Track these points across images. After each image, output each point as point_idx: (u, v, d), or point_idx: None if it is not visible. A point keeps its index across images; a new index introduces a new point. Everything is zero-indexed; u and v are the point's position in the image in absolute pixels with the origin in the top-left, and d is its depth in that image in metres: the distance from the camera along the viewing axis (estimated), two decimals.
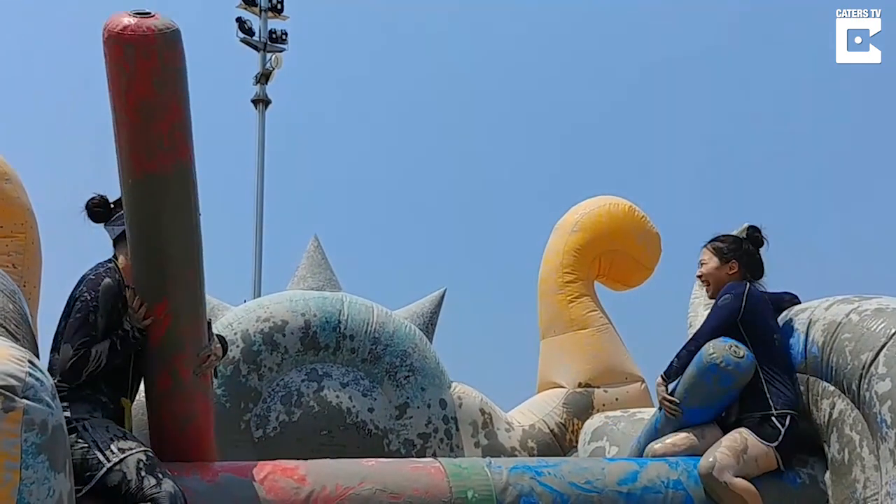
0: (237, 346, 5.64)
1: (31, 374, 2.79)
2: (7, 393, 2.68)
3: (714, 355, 4.03)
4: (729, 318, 4.18)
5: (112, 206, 3.61)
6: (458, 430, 5.91)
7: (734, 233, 4.66)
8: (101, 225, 3.67)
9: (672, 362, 4.24)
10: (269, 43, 17.63)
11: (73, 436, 3.20)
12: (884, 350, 3.77)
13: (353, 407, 5.71)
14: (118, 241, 3.60)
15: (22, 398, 2.71)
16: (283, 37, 17.83)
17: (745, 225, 4.59)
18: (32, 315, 4.92)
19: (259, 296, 7.81)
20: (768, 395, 4.06)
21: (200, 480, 3.36)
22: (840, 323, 3.99)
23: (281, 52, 17.71)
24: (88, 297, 3.42)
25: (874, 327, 3.86)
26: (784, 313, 4.35)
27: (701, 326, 4.29)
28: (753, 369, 4.08)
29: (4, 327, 3.30)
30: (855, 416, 3.86)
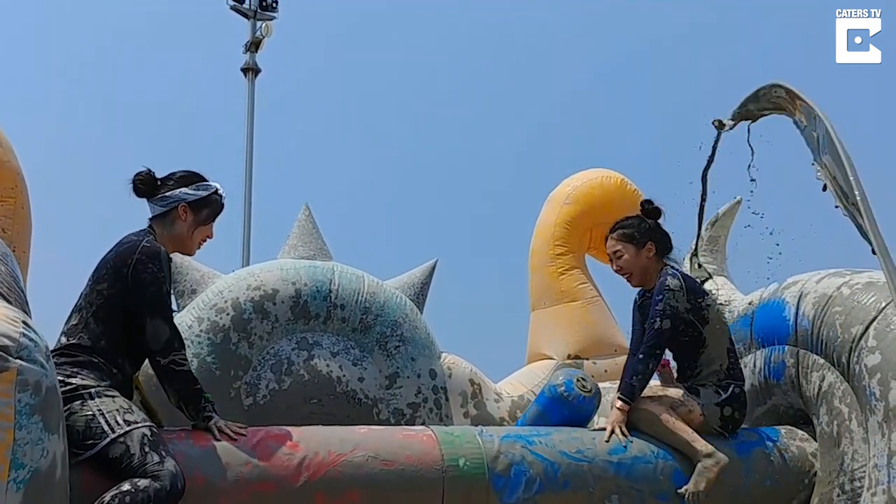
0: (227, 315, 5.62)
1: (24, 335, 2.77)
2: (0, 353, 2.67)
3: (563, 388, 3.99)
4: (674, 323, 4.02)
5: (159, 182, 3.62)
6: (447, 400, 5.91)
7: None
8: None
9: (632, 382, 3.95)
10: (259, 11, 17.46)
11: (79, 402, 3.18)
12: (874, 323, 3.79)
13: (344, 376, 5.71)
14: (158, 217, 3.61)
15: (16, 358, 2.70)
16: (274, 4, 17.67)
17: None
18: (23, 279, 4.90)
19: (249, 265, 7.78)
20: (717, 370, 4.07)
21: (193, 446, 3.36)
22: (831, 296, 4.01)
23: (271, 20, 17.55)
24: (154, 268, 3.41)
25: (865, 301, 3.88)
26: (774, 286, 4.37)
27: (651, 334, 4.00)
28: (598, 405, 4.06)
29: None
30: (844, 388, 3.88)
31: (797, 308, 4.13)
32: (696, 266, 5.28)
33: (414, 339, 5.94)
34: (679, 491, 3.75)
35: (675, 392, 4.01)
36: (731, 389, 4.02)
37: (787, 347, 4.16)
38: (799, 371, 4.10)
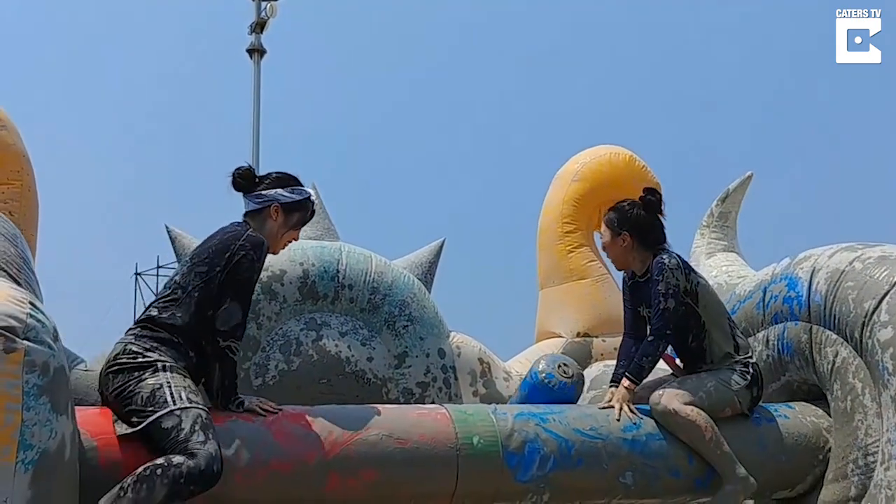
0: None
1: (31, 316, 2.76)
2: (8, 334, 2.65)
3: (544, 374, 3.97)
4: (678, 301, 3.96)
5: (257, 180, 3.67)
6: (456, 379, 5.91)
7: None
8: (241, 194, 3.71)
9: (641, 363, 3.92)
10: None
11: (151, 370, 3.23)
12: (886, 298, 3.76)
13: (352, 356, 5.70)
14: (251, 213, 3.66)
15: (23, 339, 2.68)
16: None
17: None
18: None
19: None
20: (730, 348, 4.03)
21: None
22: (843, 271, 3.98)
23: (276, 0, 17.44)
24: (254, 256, 3.48)
25: (877, 275, 3.85)
26: (786, 262, 4.33)
27: (658, 316, 3.95)
28: (580, 392, 4.04)
29: (6, 270, 3.26)
30: (857, 363, 3.86)
31: (810, 283, 4.10)
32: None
33: (422, 318, 5.92)
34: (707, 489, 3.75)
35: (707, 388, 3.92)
36: (752, 369, 3.99)
37: (799, 323, 4.13)
38: (812, 347, 4.07)
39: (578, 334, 6.17)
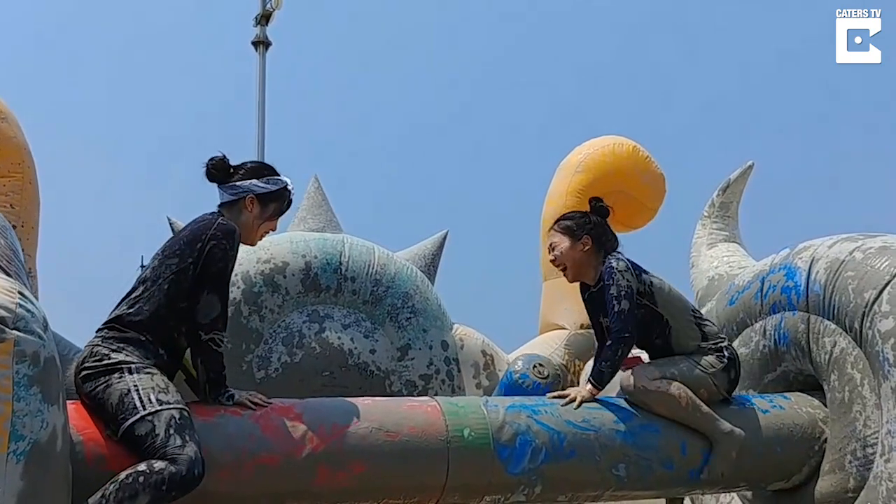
0: (238, 288, 5.63)
1: (21, 305, 2.74)
2: None
3: (518, 375, 3.92)
4: (632, 302, 3.89)
5: (231, 170, 3.60)
6: (459, 371, 5.91)
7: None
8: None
9: (602, 368, 3.84)
10: None
11: (118, 375, 3.18)
12: (887, 288, 3.71)
13: (355, 348, 5.71)
14: (226, 204, 3.59)
15: (12, 329, 2.66)
16: None
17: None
18: (30, 255, 4.91)
19: None
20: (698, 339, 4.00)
21: (197, 418, 3.33)
22: (843, 261, 3.93)
23: None
24: (227, 245, 3.40)
25: (878, 265, 3.80)
26: (786, 252, 4.30)
27: (615, 319, 3.86)
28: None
29: None
30: (857, 354, 3.81)
31: (809, 273, 4.05)
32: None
33: (425, 310, 5.92)
34: (702, 476, 3.72)
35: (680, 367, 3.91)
36: (727, 352, 3.95)
37: (797, 313, 4.08)
38: (810, 337, 4.03)
39: (582, 326, 6.14)
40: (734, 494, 4.32)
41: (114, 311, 3.39)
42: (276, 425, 3.33)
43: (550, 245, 4.21)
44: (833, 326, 3.92)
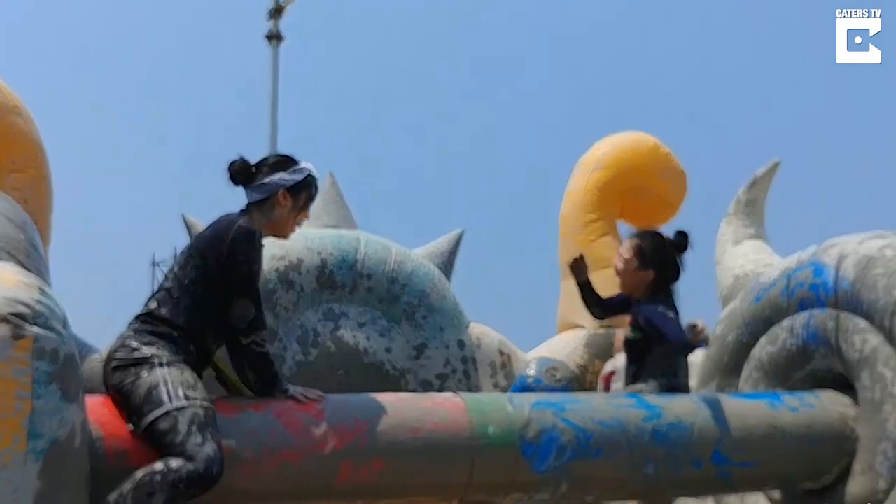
0: None
1: (41, 302, 2.72)
2: (17, 320, 2.61)
3: (532, 379, 3.93)
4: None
5: (254, 169, 3.57)
6: (476, 370, 5.85)
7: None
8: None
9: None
10: None
11: (147, 368, 3.17)
12: None
13: (371, 347, 5.66)
14: (256, 204, 3.56)
15: (32, 325, 2.64)
16: None
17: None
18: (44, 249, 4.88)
19: None
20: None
21: (220, 414, 3.30)
22: (873, 257, 3.89)
23: None
24: (248, 248, 3.39)
25: None
26: (813, 249, 4.25)
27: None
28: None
29: (14, 257, 3.24)
30: (888, 353, 3.77)
31: (837, 270, 4.00)
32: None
33: (442, 309, 5.87)
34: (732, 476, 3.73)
35: None
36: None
37: (826, 310, 4.03)
38: (839, 334, 3.97)
39: (601, 325, 6.09)
40: (760, 495, 4.26)
41: (146, 304, 3.40)
42: (299, 421, 3.29)
43: (620, 252, 4.32)
44: (863, 324, 3.87)
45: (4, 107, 5.02)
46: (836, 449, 3.85)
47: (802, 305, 4.15)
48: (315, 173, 3.66)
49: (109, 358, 3.25)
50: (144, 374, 3.16)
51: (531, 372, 3.98)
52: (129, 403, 3.14)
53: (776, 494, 4.14)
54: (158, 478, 2.95)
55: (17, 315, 2.62)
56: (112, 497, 2.93)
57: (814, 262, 4.16)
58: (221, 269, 3.36)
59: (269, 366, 3.42)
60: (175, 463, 2.98)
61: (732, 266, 5.09)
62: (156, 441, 3.06)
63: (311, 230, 5.96)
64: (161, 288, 3.42)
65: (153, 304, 3.36)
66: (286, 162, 3.62)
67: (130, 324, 3.34)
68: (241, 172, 3.55)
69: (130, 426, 3.13)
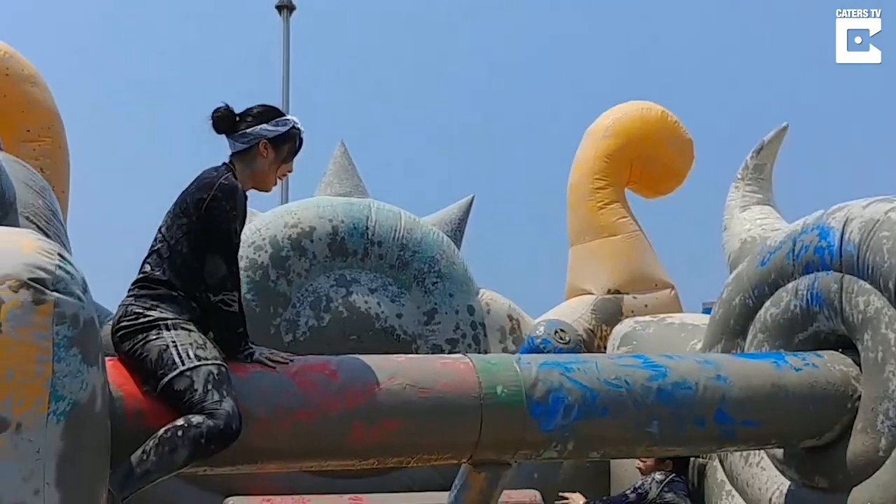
0: (266, 252, 5.65)
1: (60, 267, 2.74)
2: (37, 285, 2.64)
3: (539, 340, 3.98)
4: None
5: (238, 118, 3.53)
6: (485, 335, 5.92)
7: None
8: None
9: None
10: None
11: (155, 332, 3.20)
12: None
13: (382, 312, 5.73)
14: (237, 154, 3.54)
15: (52, 291, 2.67)
16: None
17: None
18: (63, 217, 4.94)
19: (286, 202, 7.80)
20: None
21: (233, 375, 3.34)
22: (878, 221, 3.89)
23: None
24: (227, 207, 3.35)
25: None
26: (819, 213, 4.26)
27: None
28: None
29: (34, 223, 3.28)
30: (892, 314, 3.78)
31: (842, 233, 4.02)
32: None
33: (451, 275, 5.93)
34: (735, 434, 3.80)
35: None
36: None
37: (831, 273, 4.05)
38: (843, 296, 4.00)
39: (609, 291, 6.14)
40: (763, 453, 4.32)
41: (141, 268, 3.41)
42: (312, 381, 3.34)
43: None
44: (867, 286, 3.89)
45: (19, 76, 5.06)
46: (839, 408, 3.88)
47: (808, 268, 4.18)
48: (300, 126, 3.61)
49: (115, 327, 3.28)
50: (153, 338, 3.19)
51: (539, 332, 4.02)
52: (142, 368, 3.19)
53: (778, 453, 4.19)
54: (180, 434, 3.01)
55: (37, 280, 2.64)
56: (135, 455, 2.99)
57: (819, 225, 4.17)
58: (201, 226, 3.34)
59: (236, 326, 3.39)
60: (196, 419, 3.04)
61: (740, 231, 5.10)
62: (174, 401, 3.12)
63: (323, 198, 6.02)
64: (151, 251, 3.41)
65: (147, 268, 3.37)
66: (270, 112, 3.57)
67: (129, 291, 3.35)
68: (224, 120, 3.50)
69: (147, 388, 3.18)
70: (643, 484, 4.68)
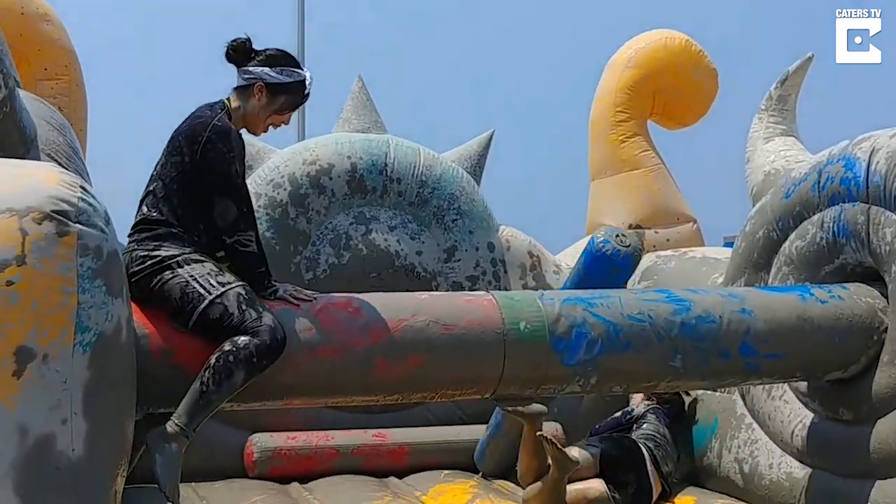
0: (285, 190, 5.64)
1: (83, 199, 2.72)
2: (60, 217, 2.62)
3: (601, 241, 4.04)
4: None
5: (252, 55, 3.45)
6: (506, 272, 5.91)
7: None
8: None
9: None
10: None
11: (169, 272, 3.19)
12: None
13: (402, 250, 5.73)
14: (237, 89, 3.48)
15: (75, 223, 2.65)
16: None
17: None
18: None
19: (303, 138, 7.75)
20: None
21: None
22: None
23: None
24: (224, 148, 3.30)
25: None
26: (844, 143, 4.20)
27: None
28: (636, 263, 4.29)
29: (55, 159, 3.27)
30: None
31: (868, 164, 3.95)
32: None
33: (471, 212, 5.90)
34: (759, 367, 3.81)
35: None
36: None
37: (857, 204, 3.99)
38: (869, 228, 3.95)
39: (631, 226, 6.10)
40: (786, 387, 4.32)
41: (138, 210, 3.38)
42: (335, 318, 3.35)
43: None
44: (894, 217, 3.84)
45: (34, 14, 5.02)
46: (865, 340, 3.85)
47: (833, 200, 4.12)
48: (308, 82, 3.50)
49: (127, 274, 3.20)
50: (168, 277, 3.19)
51: (600, 235, 4.00)
52: (167, 307, 3.19)
53: (802, 386, 4.18)
54: (231, 358, 3.05)
55: (61, 212, 2.63)
56: (194, 387, 3.04)
57: (845, 156, 4.11)
58: (197, 169, 3.31)
59: (257, 266, 3.38)
60: (242, 340, 3.07)
61: (763, 163, 5.03)
62: (211, 332, 3.13)
63: (342, 135, 5.97)
64: (147, 192, 3.38)
65: (144, 209, 3.34)
66: (280, 59, 3.49)
67: (130, 236, 3.34)
68: (237, 51, 3.44)
69: (173, 325, 3.19)
70: (633, 409, 5.03)
